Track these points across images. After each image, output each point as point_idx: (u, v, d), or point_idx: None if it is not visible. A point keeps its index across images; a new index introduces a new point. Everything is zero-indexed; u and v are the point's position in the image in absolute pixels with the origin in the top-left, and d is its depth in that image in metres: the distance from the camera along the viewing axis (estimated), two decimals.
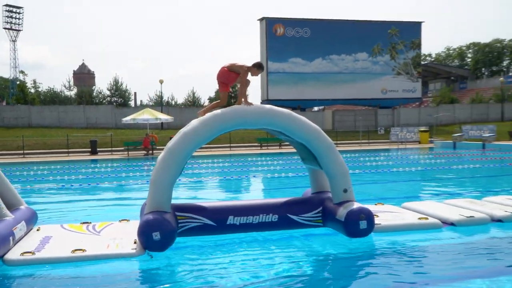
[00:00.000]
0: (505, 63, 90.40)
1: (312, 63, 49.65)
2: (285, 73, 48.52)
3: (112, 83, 60.54)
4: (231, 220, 6.81)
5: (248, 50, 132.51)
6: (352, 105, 55.67)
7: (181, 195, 11.15)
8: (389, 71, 51.84)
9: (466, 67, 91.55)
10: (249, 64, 6.73)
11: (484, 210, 7.69)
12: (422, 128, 35.61)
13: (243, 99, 6.71)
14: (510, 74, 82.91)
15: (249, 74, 6.73)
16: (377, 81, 51.31)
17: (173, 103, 62.36)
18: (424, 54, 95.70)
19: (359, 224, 6.48)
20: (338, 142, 34.67)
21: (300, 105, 48.79)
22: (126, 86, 60.79)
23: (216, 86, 67.43)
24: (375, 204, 8.43)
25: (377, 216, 7.27)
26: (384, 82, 51.60)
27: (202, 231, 6.75)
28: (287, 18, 49.04)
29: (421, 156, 23.52)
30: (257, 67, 6.71)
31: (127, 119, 30.05)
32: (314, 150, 6.83)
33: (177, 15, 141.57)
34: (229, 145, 33.18)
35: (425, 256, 5.95)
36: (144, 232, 5.93)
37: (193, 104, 61.22)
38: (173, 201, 6.86)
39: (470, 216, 7.23)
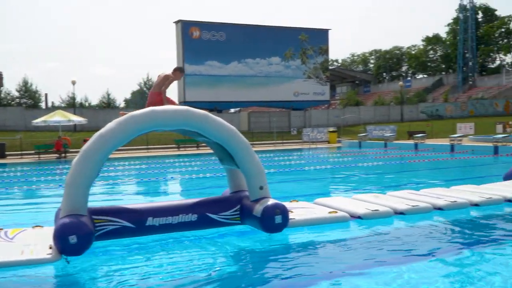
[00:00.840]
0: (403, 68, 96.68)
1: (228, 66, 49.97)
2: (202, 76, 48.37)
3: (21, 84, 56.93)
4: (150, 221, 6.70)
5: (166, 51, 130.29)
6: (266, 107, 56.69)
7: (98, 199, 10.76)
8: (300, 75, 53.46)
9: (369, 72, 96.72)
10: (170, 71, 6.97)
11: (388, 204, 8.20)
12: (331, 129, 37.08)
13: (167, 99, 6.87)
14: (409, 78, 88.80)
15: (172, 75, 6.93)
16: (289, 84, 52.74)
17: (87, 104, 59.85)
18: (332, 60, 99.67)
19: (274, 219, 6.65)
20: (254, 142, 35.14)
21: (217, 107, 48.89)
22: (36, 87, 57.47)
23: (133, 88, 64.89)
24: (290, 201, 8.67)
25: (292, 211, 7.49)
26: (296, 85, 53.16)
27: (120, 234, 6.57)
28: (203, 22, 48.95)
29: (330, 155, 24.51)
30: (180, 71, 7.01)
31: (38, 121, 28.36)
32: (230, 150, 6.90)
33: (91, 14, 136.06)
34: (146, 146, 32.42)
35: (335, 247, 6.24)
36: (60, 236, 5.67)
37: (108, 106, 59.09)
38: (90, 205, 6.62)
39: (375, 210, 7.68)
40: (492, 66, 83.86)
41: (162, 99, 6.96)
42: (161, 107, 6.56)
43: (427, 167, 17.40)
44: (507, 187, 9.90)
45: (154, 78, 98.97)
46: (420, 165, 18.19)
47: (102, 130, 6.31)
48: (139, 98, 59.60)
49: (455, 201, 8.31)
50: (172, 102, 7.08)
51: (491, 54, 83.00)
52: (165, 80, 6.94)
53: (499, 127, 36.82)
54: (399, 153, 24.68)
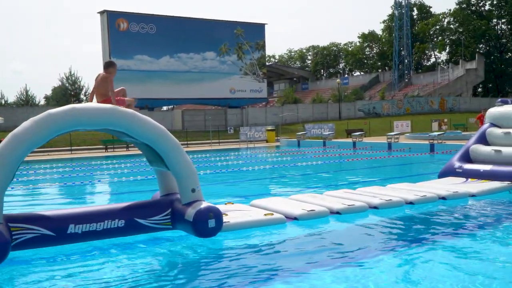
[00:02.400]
0: (341, 65, 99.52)
1: (160, 61, 49.27)
2: (130, 71, 47.36)
3: None
4: (72, 228, 6.47)
5: (90, 44, 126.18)
6: (202, 104, 56.52)
7: (16, 205, 10.25)
8: (236, 71, 53.71)
9: (307, 68, 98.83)
10: (105, 72, 6.88)
11: (324, 204, 8.41)
12: (269, 127, 37.53)
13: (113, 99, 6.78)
14: (346, 75, 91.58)
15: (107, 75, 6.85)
16: (225, 81, 52.82)
17: (3, 102, 56.92)
18: (269, 56, 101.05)
19: (207, 223, 6.64)
20: (189, 142, 34.89)
21: (147, 105, 48.10)
22: None
23: (53, 83, 62.39)
24: (225, 204, 8.69)
25: (226, 214, 7.51)
26: (233, 82, 53.35)
27: (39, 243, 6.30)
28: (131, 13, 47.94)
29: (269, 155, 24.79)
30: (112, 66, 6.87)
31: None
32: (160, 151, 6.82)
33: (7, 4, 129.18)
34: (69, 148, 31.31)
35: (270, 250, 6.32)
36: None
37: (26, 103, 56.49)
38: (6, 212, 6.30)
39: (311, 210, 7.85)
40: (428, 64, 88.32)
41: (112, 103, 6.67)
42: (83, 105, 6.37)
43: (364, 166, 18.02)
44: (442, 185, 10.46)
45: (77, 73, 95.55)
46: (358, 163, 18.81)
47: (17, 130, 6.04)
48: (61, 95, 57.39)
49: (390, 200, 8.66)
50: (122, 102, 6.82)
51: (426, 51, 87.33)
52: (105, 83, 6.72)
53: (435, 125, 38.84)
54: (337, 151, 25.39)
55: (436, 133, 25.20)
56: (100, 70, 6.89)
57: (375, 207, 8.50)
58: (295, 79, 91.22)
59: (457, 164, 11.64)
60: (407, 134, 33.21)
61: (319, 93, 72.78)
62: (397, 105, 61.93)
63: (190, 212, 6.69)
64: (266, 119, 52.70)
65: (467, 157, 11.87)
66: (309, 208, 7.95)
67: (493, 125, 12.18)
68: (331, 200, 8.79)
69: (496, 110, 12.37)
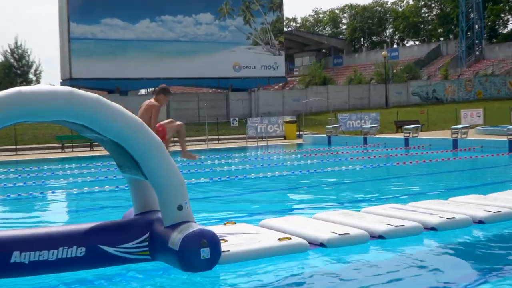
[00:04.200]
0: (388, 32, 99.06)
1: (136, 27, 49.45)
2: (96, 40, 47.58)
3: None
4: (16, 257, 6.51)
5: (43, 6, 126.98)
6: (194, 86, 56.73)
7: None
8: (243, 40, 53.79)
9: (341, 36, 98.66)
10: (154, 99, 7.97)
11: (362, 225, 8.38)
12: (288, 118, 37.60)
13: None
14: (395, 46, 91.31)
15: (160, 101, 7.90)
16: (227, 54, 52.89)
17: None
18: (288, 19, 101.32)
19: (199, 253, 6.63)
20: (176, 138, 34.94)
21: (119, 87, 48.36)
22: None
23: None
24: (224, 224, 8.70)
25: (225, 240, 7.51)
26: (237, 55, 53.40)
27: None
28: None
29: (287, 156, 24.80)
30: (164, 93, 7.96)
31: None
32: (134, 153, 6.81)
33: None
34: (14, 147, 31.55)
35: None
36: None
37: None
38: None
39: (345, 234, 7.83)
40: (505, 31, 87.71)
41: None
42: (31, 88, 6.40)
43: (420, 171, 18.00)
44: None
45: (25, 45, 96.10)
46: (411, 168, 18.78)
47: None
48: (4, 74, 57.79)
49: (453, 218, 8.65)
50: (162, 130, 7.87)
51: (502, 15, 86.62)
52: (149, 114, 7.52)
53: None
54: (383, 152, 25.37)
55: None
56: (57, 42, 6.93)
57: (433, 228, 8.50)
58: (324, 51, 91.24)
59: None
60: (479, 128, 33.08)
61: (357, 70, 72.77)
62: (465, 87, 61.78)
63: (176, 238, 6.69)
64: (284, 106, 52.78)
65: None
66: (341, 231, 7.94)
67: None
68: (372, 219, 8.78)
69: None
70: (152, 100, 8.01)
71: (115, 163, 7.83)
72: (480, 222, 8.89)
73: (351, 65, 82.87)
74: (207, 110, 44.62)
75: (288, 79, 70.81)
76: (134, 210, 7.66)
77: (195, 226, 6.83)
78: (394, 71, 69.43)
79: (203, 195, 14.05)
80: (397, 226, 8.26)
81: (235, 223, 8.85)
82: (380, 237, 8.11)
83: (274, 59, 55.25)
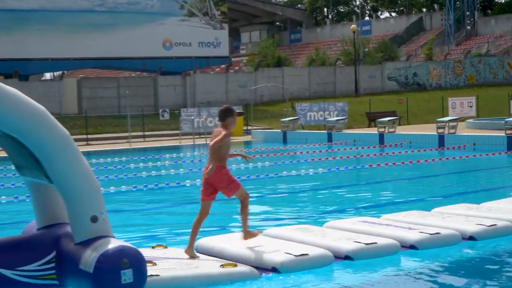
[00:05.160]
0: (357, 1, 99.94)
1: None
2: None
3: None
4: None
5: None
6: (113, 69, 56.26)
7: None
8: (175, 10, 53.62)
9: (299, 5, 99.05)
10: (221, 126, 8.48)
11: (326, 243, 8.44)
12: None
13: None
14: (367, 18, 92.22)
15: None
16: (155, 27, 52.60)
17: None
18: None
19: (119, 276, 6.60)
20: (90, 136, 34.65)
21: (18, 69, 47.56)
22: None
23: None
24: (152, 247, 8.68)
25: (154, 263, 7.50)
26: (168, 29, 53.16)
27: None
28: None
29: (232, 159, 24.75)
30: (230, 115, 8.48)
31: None
32: (36, 149, 6.75)
33: None
34: None
35: None
36: None
37: None
38: None
39: (303, 255, 7.89)
40: (501, 1, 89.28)
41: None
42: None
43: (398, 175, 18.23)
44: None
45: None
46: (388, 171, 19.01)
47: None
48: None
49: (438, 234, 8.77)
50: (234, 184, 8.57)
51: None
52: (220, 142, 8.35)
53: None
54: (352, 151, 25.53)
55: None
56: None
57: (412, 246, 8.61)
58: (278, 24, 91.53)
59: None
60: (470, 121, 33.60)
61: (320, 48, 73.12)
62: (453, 70, 62.69)
63: (90, 258, 6.65)
64: (228, 94, 52.73)
65: None
66: (298, 251, 7.99)
67: None
68: (337, 236, 8.86)
69: None
70: (220, 127, 8.57)
71: (12, 164, 7.75)
72: (471, 238, 9.00)
73: (312, 42, 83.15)
74: (129, 99, 44.35)
75: (233, 59, 70.81)
76: (36, 223, 7.58)
77: (114, 242, 6.79)
78: (366, 49, 69.82)
79: (124, 206, 13.96)
80: (368, 244, 8.33)
81: (166, 246, 8.83)
82: (347, 257, 8.18)
83: (215, 34, 55.20)
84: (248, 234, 8.47)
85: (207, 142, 32.14)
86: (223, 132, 8.34)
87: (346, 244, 8.39)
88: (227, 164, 8.63)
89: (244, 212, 8.56)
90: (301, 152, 25.75)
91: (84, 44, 49.33)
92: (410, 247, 8.63)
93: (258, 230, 9.07)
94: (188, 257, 8.11)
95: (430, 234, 8.79)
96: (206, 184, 8.57)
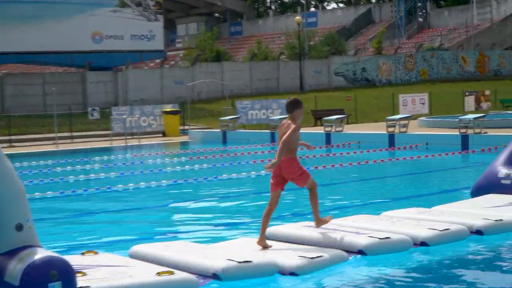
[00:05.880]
0: None
1: None
2: None
3: None
4: None
5: None
6: (37, 64, 55.52)
7: None
8: (105, 1, 53.44)
9: None
10: (289, 118, 9.45)
11: (265, 256, 8.50)
12: (168, 108, 37.40)
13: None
14: (313, 10, 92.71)
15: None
16: (84, 19, 52.28)
17: None
18: None
19: None
20: (13, 137, 34.23)
21: None
22: None
23: None
24: (82, 254, 8.65)
25: (84, 273, 7.49)
26: (98, 21, 52.84)
27: None
28: None
29: (167, 161, 24.67)
30: (298, 106, 9.45)
31: None
32: None
33: None
34: None
35: None
36: None
37: None
38: None
39: (246, 262, 7.96)
40: None
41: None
42: None
43: (346, 177, 18.42)
44: (476, 209, 10.83)
45: None
46: (335, 173, 19.21)
47: None
48: None
49: (388, 238, 8.88)
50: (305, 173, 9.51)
51: None
52: (291, 135, 9.23)
53: (470, 101, 40.04)
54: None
55: (471, 116, 26.01)
56: None
57: (360, 252, 8.72)
58: (217, 15, 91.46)
59: (503, 171, 12.13)
60: (423, 119, 34.06)
61: (262, 42, 73.28)
62: (404, 65, 63.39)
63: (15, 269, 6.62)
64: (163, 91, 52.52)
65: None
66: (242, 257, 8.05)
67: None
68: (279, 245, 8.94)
69: None
70: (288, 120, 9.37)
71: None
72: (424, 244, 9.11)
73: (254, 35, 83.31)
74: (56, 96, 43.91)
75: (168, 53, 70.46)
76: None
77: (41, 253, 6.76)
78: (312, 43, 70.12)
79: (51, 214, 13.86)
80: (312, 258, 8.35)
81: (96, 252, 8.81)
82: (292, 274, 8.21)
83: (149, 26, 55.04)
84: (320, 221, 9.43)
85: (140, 143, 32.14)
86: (292, 125, 9.16)
87: (291, 259, 8.35)
88: (296, 155, 9.50)
89: (314, 200, 9.42)
90: (242, 154, 25.74)
91: (7, 37, 48.75)
92: (358, 252, 8.71)
93: (330, 215, 9.89)
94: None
95: (379, 239, 8.83)
96: (276, 176, 9.29)
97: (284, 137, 9.15)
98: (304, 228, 9.81)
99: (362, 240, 8.87)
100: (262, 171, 19.78)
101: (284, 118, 31.35)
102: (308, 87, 58.25)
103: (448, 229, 9.39)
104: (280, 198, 9.41)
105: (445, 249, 9.14)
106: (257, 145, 28.83)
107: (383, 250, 8.81)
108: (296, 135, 9.28)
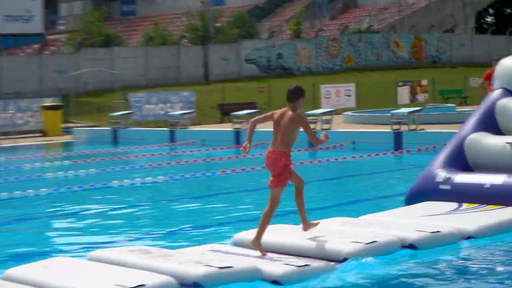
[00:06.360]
0: None
1: None
2: None
3: None
4: None
5: None
6: None
7: None
8: None
9: None
10: (291, 108, 9.67)
11: (170, 267, 8.51)
12: (49, 102, 36.97)
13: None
14: None
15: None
16: None
17: None
18: None
19: None
20: None
21: None
22: None
23: None
24: None
25: None
26: None
27: None
28: None
29: (47, 165, 24.48)
30: (302, 95, 9.80)
31: None
32: None
33: None
34: None
35: None
36: None
37: None
38: None
39: (140, 286, 7.94)
40: None
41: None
42: None
43: (259, 185, 18.44)
44: (409, 218, 10.96)
45: None
46: (246, 179, 19.28)
47: None
48: None
49: (305, 267, 8.78)
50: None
51: None
52: (296, 129, 9.57)
53: (404, 92, 40.73)
54: (202, 153, 25.61)
55: (406, 110, 26.41)
56: None
57: (276, 282, 8.69)
58: None
59: (442, 175, 12.32)
60: (349, 113, 34.45)
61: (160, 23, 73.09)
62: (327, 51, 63.90)
63: None
64: (42, 82, 51.95)
65: (460, 160, 12.61)
66: (135, 281, 8.06)
67: (508, 92, 13.02)
68: (187, 258, 8.94)
69: None
70: (290, 110, 9.64)
71: None
72: (344, 259, 9.03)
73: (149, 15, 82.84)
74: None
75: (49, 37, 69.58)
76: None
77: None
78: (218, 24, 70.08)
79: None
80: (221, 267, 8.42)
81: None
82: (196, 284, 8.27)
83: (26, 5, 54.37)
84: (309, 225, 9.79)
85: (16, 144, 31.66)
86: (301, 118, 9.62)
87: (195, 269, 8.46)
88: (290, 152, 9.70)
89: (300, 201, 9.69)
90: (136, 156, 25.67)
91: None
92: (273, 283, 8.66)
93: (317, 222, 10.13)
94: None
95: (297, 266, 8.74)
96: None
97: (309, 136, 9.62)
98: (208, 252, 9.75)
99: (276, 269, 8.76)
100: (160, 177, 19.76)
101: (186, 113, 31.54)
102: (214, 76, 58.23)
103: (376, 241, 9.42)
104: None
105: (372, 266, 9.16)
106: (154, 146, 28.73)
107: (300, 274, 8.76)
108: (297, 129, 9.58)
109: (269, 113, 10.10)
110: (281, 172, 9.52)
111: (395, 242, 9.59)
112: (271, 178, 9.65)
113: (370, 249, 9.28)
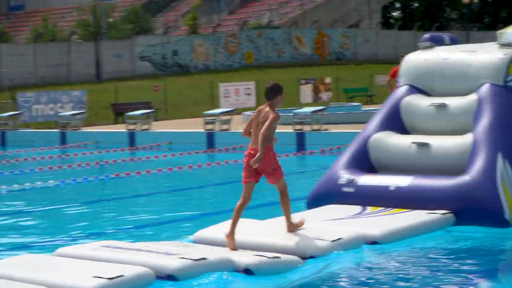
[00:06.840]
0: None
1: None
2: None
3: None
4: None
5: None
6: None
7: None
8: None
9: None
10: (268, 105, 10.31)
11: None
12: None
13: None
14: None
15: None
16: None
17: None
18: None
19: None
20: None
21: None
22: None
23: None
24: None
25: None
26: None
27: None
28: None
29: None
30: (280, 93, 10.58)
31: None
32: None
33: None
34: None
35: None
36: None
37: None
38: None
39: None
40: None
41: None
42: None
43: (157, 188, 18.55)
44: (308, 224, 10.66)
45: None
46: (141, 183, 19.29)
47: None
48: None
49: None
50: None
51: None
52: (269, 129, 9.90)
53: (307, 91, 41.01)
54: (94, 156, 25.41)
55: (308, 110, 26.68)
56: None
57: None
58: None
59: (345, 177, 12.48)
60: (248, 113, 34.56)
61: (49, 18, 72.40)
62: (225, 47, 64.06)
63: None
64: None
65: (364, 161, 12.83)
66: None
67: (414, 88, 13.31)
68: (78, 267, 8.94)
69: (419, 58, 13.56)
70: (267, 106, 10.20)
71: None
72: (171, 277, 8.55)
73: (38, 10, 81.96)
74: None
75: None
76: None
77: None
78: (110, 19, 69.67)
79: None
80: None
81: None
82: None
83: None
84: (293, 226, 10.13)
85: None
86: (271, 114, 9.96)
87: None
88: (272, 145, 10.02)
89: (286, 204, 10.05)
90: (25, 159, 25.37)
91: None
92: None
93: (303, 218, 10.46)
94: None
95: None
96: (249, 166, 9.78)
97: (263, 129, 9.72)
98: (101, 248, 9.71)
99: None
100: (51, 181, 19.59)
101: (77, 113, 31.34)
102: (107, 75, 58.00)
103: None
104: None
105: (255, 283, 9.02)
106: (44, 148, 28.45)
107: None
108: (275, 125, 9.91)
109: (251, 117, 10.36)
110: (274, 165, 9.90)
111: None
112: (266, 176, 9.95)
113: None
